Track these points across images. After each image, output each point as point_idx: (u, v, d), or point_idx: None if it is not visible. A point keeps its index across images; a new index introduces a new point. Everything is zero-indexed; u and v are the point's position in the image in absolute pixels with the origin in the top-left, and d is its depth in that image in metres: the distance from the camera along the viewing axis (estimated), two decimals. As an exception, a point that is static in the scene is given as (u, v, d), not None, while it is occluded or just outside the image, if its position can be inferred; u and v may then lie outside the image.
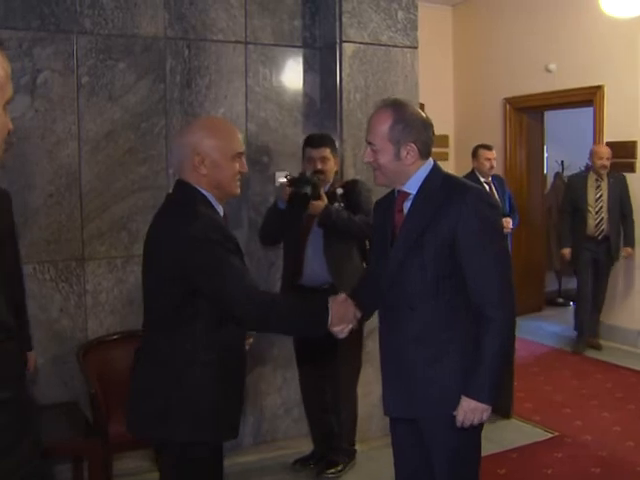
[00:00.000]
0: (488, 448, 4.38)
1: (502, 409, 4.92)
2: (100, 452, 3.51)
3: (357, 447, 4.33)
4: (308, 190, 3.74)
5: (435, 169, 2.60)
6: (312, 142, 4.00)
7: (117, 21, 4.04)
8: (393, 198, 2.68)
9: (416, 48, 4.58)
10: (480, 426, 2.57)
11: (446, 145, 8.43)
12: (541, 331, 7.39)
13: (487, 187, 6.25)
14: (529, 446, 4.49)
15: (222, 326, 2.47)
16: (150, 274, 2.55)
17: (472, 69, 8.28)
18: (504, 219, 6.08)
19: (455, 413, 2.49)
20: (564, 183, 8.78)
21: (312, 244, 3.97)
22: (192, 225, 2.39)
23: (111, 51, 4.03)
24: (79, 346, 3.92)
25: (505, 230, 6.04)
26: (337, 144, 4.37)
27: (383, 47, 4.47)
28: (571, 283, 9.03)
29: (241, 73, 4.36)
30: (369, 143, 2.58)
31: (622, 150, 6.66)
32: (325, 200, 3.83)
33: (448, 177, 2.63)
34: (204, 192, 2.53)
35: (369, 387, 4.46)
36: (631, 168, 6.62)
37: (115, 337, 4.04)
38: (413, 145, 2.52)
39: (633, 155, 6.60)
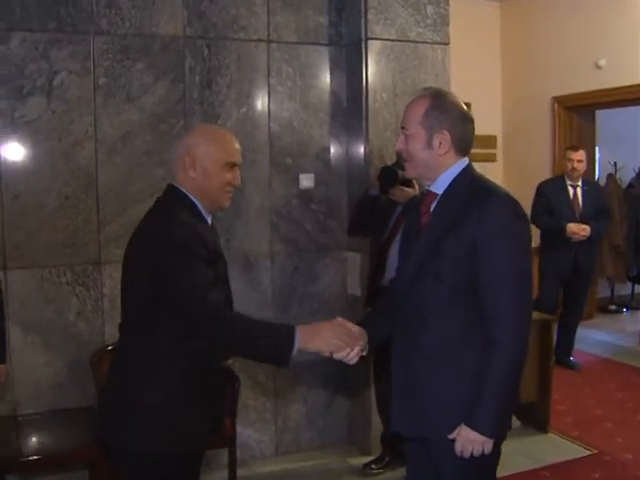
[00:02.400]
0: (521, 464, 4.21)
1: (538, 423, 4.71)
2: (106, 460, 3.42)
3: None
4: (400, 170, 3.54)
5: (467, 169, 2.41)
6: None
7: (134, 21, 3.96)
8: (421, 199, 2.51)
9: (447, 44, 4.38)
10: (496, 452, 2.34)
11: (494, 146, 8.16)
12: (589, 340, 7.08)
13: (572, 190, 6.04)
14: (564, 464, 4.26)
15: (192, 336, 2.32)
16: (124, 275, 2.46)
17: (520, 67, 8.00)
18: (574, 225, 5.85)
19: (450, 437, 2.28)
20: (617, 185, 8.47)
21: (397, 244, 3.77)
22: (166, 227, 2.30)
23: (128, 51, 3.95)
24: (93, 352, 3.85)
25: (575, 237, 5.82)
26: (362, 145, 4.23)
27: (412, 44, 4.29)
28: (624, 289, 8.72)
29: (263, 72, 4.24)
30: (402, 128, 2.43)
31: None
32: (417, 189, 3.59)
33: (477, 179, 2.41)
34: (192, 198, 2.44)
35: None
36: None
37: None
38: (447, 133, 2.34)
39: (687, 156, 6.27)
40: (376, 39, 4.19)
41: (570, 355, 6.19)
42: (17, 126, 3.76)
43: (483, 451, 2.25)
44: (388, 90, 4.23)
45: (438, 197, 2.39)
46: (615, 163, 8.65)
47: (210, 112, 4.13)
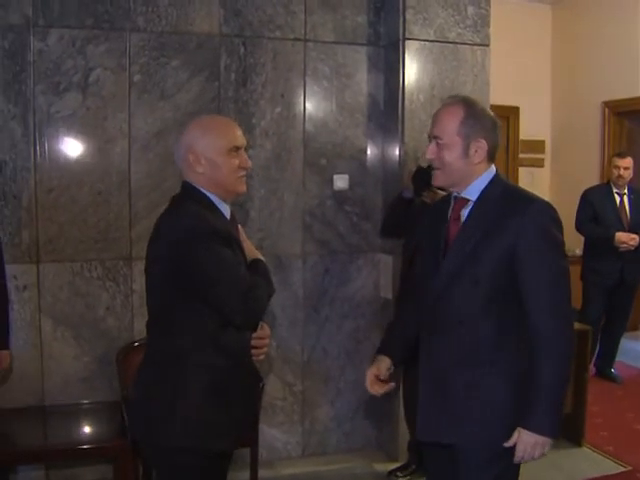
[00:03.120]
0: (551, 477, 4.10)
1: (572, 435, 4.58)
2: (129, 455, 3.44)
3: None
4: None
5: (498, 176, 2.44)
6: None
7: (171, 18, 3.97)
8: (448, 205, 2.49)
9: (487, 46, 4.29)
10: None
11: (542, 151, 8.01)
12: (634, 352, 6.86)
13: (618, 198, 5.90)
14: (595, 479, 4.13)
15: (220, 331, 2.35)
16: (147, 273, 2.46)
17: (570, 70, 7.83)
18: (623, 234, 5.70)
19: (507, 445, 2.29)
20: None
21: None
22: (176, 221, 2.32)
23: (164, 49, 3.96)
24: (120, 347, 3.87)
25: (623, 247, 5.67)
26: (398, 147, 4.17)
27: (450, 45, 4.21)
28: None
29: (299, 71, 4.21)
30: (435, 137, 2.40)
31: None
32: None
33: (510, 186, 2.48)
34: (204, 191, 2.43)
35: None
36: None
37: (157, 339, 3.96)
38: (484, 142, 2.36)
39: None
40: (414, 39, 4.13)
41: (612, 367, 6.03)
42: (53, 121, 3.80)
43: (543, 453, 2.29)
44: (425, 91, 4.16)
45: (471, 204, 2.39)
46: (668, 171, 8.41)
47: (245, 111, 4.11)
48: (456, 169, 2.38)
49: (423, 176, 3.65)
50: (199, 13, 4.02)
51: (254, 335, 2.51)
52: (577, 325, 4.57)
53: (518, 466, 2.40)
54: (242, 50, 4.10)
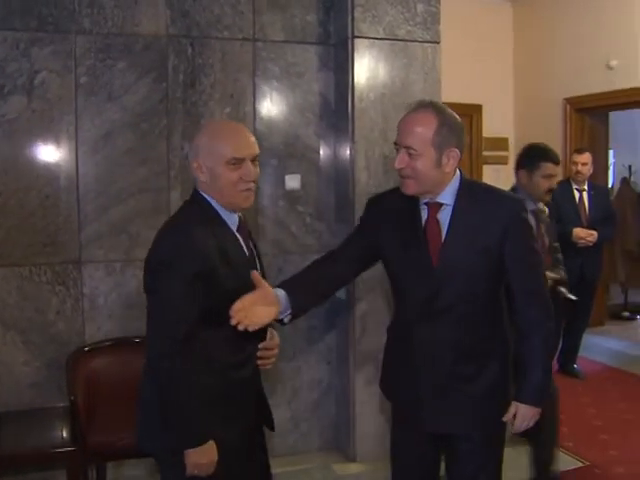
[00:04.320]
0: (507, 476, 4.07)
1: (531, 432, 4.57)
2: (76, 461, 3.40)
3: (369, 466, 4.15)
4: None
5: (464, 177, 2.52)
6: None
7: (117, 20, 3.93)
8: (412, 207, 2.51)
9: (438, 43, 4.28)
10: None
11: (506, 149, 8.03)
12: (597, 347, 6.91)
13: (578, 194, 5.92)
14: (550, 476, 4.13)
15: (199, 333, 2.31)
16: None
17: (533, 68, 7.86)
18: (581, 230, 5.72)
19: (505, 419, 2.50)
20: (631, 189, 8.30)
21: None
22: (163, 237, 2.33)
23: (110, 50, 3.93)
24: (70, 352, 3.82)
25: (582, 242, 5.69)
26: (349, 146, 4.15)
27: (400, 42, 4.20)
28: (639, 296, 8.54)
29: (249, 71, 4.18)
30: (405, 147, 2.39)
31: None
32: None
33: (479, 185, 2.63)
34: (210, 200, 2.39)
35: (383, 404, 4.22)
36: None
37: (108, 344, 3.93)
38: (456, 151, 2.40)
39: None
40: (363, 37, 4.11)
41: (574, 363, 6.05)
42: (-2, 125, 3.76)
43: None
44: (375, 89, 4.15)
45: (449, 207, 2.45)
46: (630, 166, 8.47)
47: (193, 112, 4.08)
48: (429, 178, 2.40)
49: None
50: (145, 14, 3.99)
51: (262, 345, 2.49)
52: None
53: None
54: (190, 51, 4.07)
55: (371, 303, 4.17)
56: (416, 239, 2.48)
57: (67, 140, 3.88)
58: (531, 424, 2.52)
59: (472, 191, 2.48)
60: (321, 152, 4.36)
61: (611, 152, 8.30)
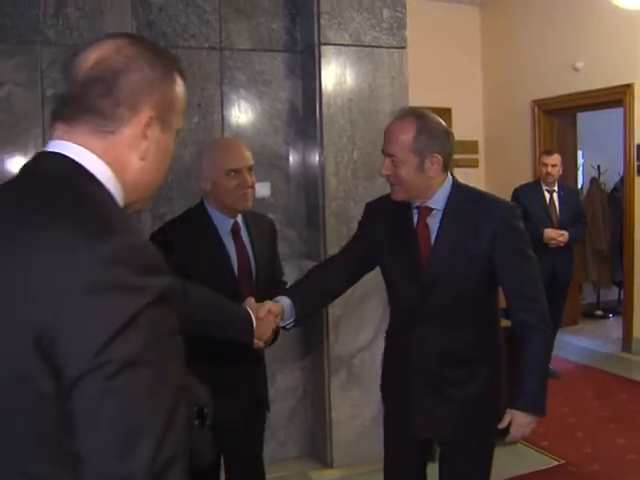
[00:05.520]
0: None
1: (507, 432, 4.60)
2: None
3: (346, 471, 4.13)
4: None
5: (457, 183, 2.56)
6: None
7: (82, 30, 3.91)
8: (405, 211, 2.57)
9: (404, 48, 4.30)
10: None
11: (475, 151, 8.10)
12: (571, 346, 6.98)
13: (548, 196, 5.97)
14: (528, 475, 4.15)
15: None
16: None
17: (500, 71, 7.94)
18: (552, 230, 5.78)
19: (501, 426, 2.49)
20: (601, 189, 8.39)
21: None
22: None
23: (77, 61, 3.90)
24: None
25: (553, 243, 5.75)
26: (318, 152, 4.16)
27: (367, 48, 4.22)
28: (611, 295, 8.63)
29: (216, 80, 4.18)
30: (388, 155, 2.47)
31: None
32: None
33: (470, 190, 2.61)
34: (207, 206, 2.82)
35: (358, 409, 4.23)
36: (664, 172, 6.20)
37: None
38: (438, 156, 2.44)
39: (666, 158, 6.18)
40: (330, 44, 4.13)
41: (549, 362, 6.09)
42: (-37, 139, 3.73)
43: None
44: (343, 96, 4.16)
45: (439, 212, 2.50)
46: (599, 167, 8.56)
47: (162, 121, 4.07)
48: (414, 184, 2.46)
49: None
50: (111, 25, 3.97)
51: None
52: (509, 322, 4.61)
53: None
54: (157, 60, 4.06)
55: (344, 308, 4.17)
56: (407, 243, 2.54)
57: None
58: (527, 432, 2.51)
59: (463, 196, 2.52)
60: (290, 159, 4.36)
61: (580, 153, 8.39)
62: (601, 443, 4.61)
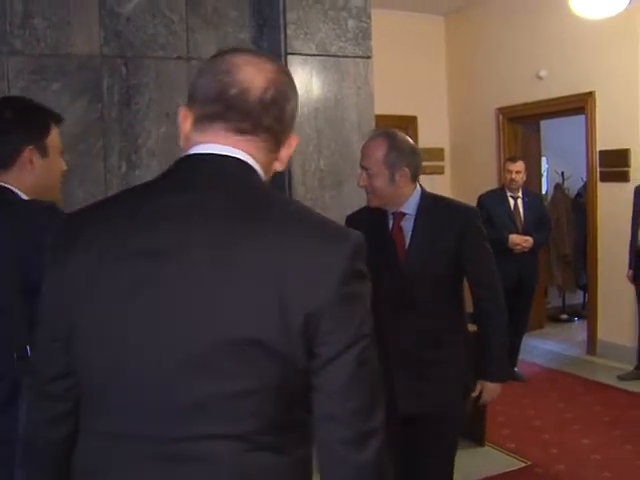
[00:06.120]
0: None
1: (475, 435, 4.69)
2: None
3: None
4: None
5: (425, 191, 2.96)
6: None
7: (50, 40, 3.91)
8: (381, 218, 2.95)
9: (370, 58, 4.36)
10: None
11: (441, 159, 8.20)
12: (537, 350, 7.10)
13: (512, 202, 6.07)
14: (495, 477, 4.25)
15: None
16: None
17: (465, 79, 8.06)
18: (517, 236, 5.88)
19: (474, 394, 2.99)
20: (565, 195, 8.54)
21: None
22: None
23: (44, 71, 3.90)
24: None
25: (517, 248, 5.84)
26: (286, 161, 4.20)
27: (332, 58, 4.27)
28: (576, 298, 8.77)
29: (184, 90, 4.20)
30: (365, 168, 2.85)
31: (615, 159, 6.39)
32: None
33: (438, 197, 3.03)
34: None
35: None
36: (624, 177, 6.34)
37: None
38: (406, 169, 2.82)
39: (626, 164, 6.32)
40: (296, 54, 4.18)
41: (515, 366, 6.18)
42: None
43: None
44: (309, 105, 4.21)
45: (411, 217, 2.90)
46: (562, 173, 8.71)
47: (130, 131, 4.09)
48: (386, 193, 2.85)
49: None
50: (79, 35, 3.98)
51: None
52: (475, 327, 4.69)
53: None
54: (124, 71, 4.08)
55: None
56: (385, 244, 2.91)
57: (2, 163, 3.85)
58: (495, 397, 3.04)
59: (431, 202, 2.93)
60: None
61: (544, 159, 8.54)
62: (566, 444, 4.70)
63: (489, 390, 2.99)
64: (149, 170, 4.10)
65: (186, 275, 1.25)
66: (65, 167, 2.62)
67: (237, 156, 1.36)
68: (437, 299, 2.88)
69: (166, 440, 1.26)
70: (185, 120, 1.43)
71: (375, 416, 1.30)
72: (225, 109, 1.37)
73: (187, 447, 1.25)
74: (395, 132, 2.91)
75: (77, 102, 3.98)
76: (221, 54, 1.44)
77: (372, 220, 2.95)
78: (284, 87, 1.41)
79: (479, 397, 3.02)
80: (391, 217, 2.94)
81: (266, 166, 1.42)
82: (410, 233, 2.89)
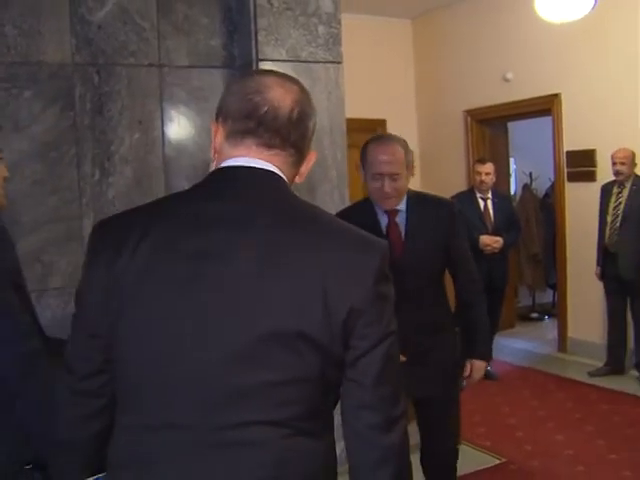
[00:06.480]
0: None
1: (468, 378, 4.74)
2: None
3: None
4: None
5: (409, 188, 3.13)
6: None
7: (20, 48, 3.91)
8: (370, 216, 3.08)
9: (340, 63, 4.41)
10: None
11: (411, 161, 8.26)
12: (508, 348, 7.20)
13: (482, 203, 6.13)
14: (471, 475, 4.28)
15: None
16: None
17: (433, 82, 8.14)
18: (487, 237, 5.95)
19: (466, 374, 3.21)
20: (533, 195, 8.65)
21: None
22: None
23: (16, 79, 3.89)
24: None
25: (488, 249, 5.92)
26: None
27: (303, 63, 4.31)
28: (546, 297, 8.89)
29: (156, 97, 4.22)
30: (391, 174, 2.94)
31: (582, 159, 6.50)
32: None
33: (422, 193, 3.26)
34: None
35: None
36: (591, 177, 6.45)
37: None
38: (412, 167, 3.10)
39: (592, 164, 6.43)
40: (267, 60, 4.20)
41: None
42: None
43: None
44: (282, 110, 4.24)
45: (403, 212, 3.07)
46: (530, 173, 8.83)
47: (102, 139, 4.09)
48: (404, 192, 3.03)
49: None
50: (50, 43, 3.98)
51: None
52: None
53: None
54: (96, 78, 4.08)
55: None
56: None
57: (-26, 172, 3.83)
58: (482, 375, 3.25)
59: (417, 198, 3.10)
60: (232, 173, 4.41)
61: (512, 160, 8.64)
62: (540, 440, 4.78)
63: (478, 368, 3.21)
64: (122, 177, 4.10)
65: (234, 275, 1.38)
66: (6, 173, 2.63)
67: (268, 168, 1.50)
68: (431, 289, 3.11)
69: (213, 428, 1.37)
70: (217, 134, 1.58)
71: (400, 403, 1.46)
72: (257, 126, 1.50)
73: (233, 434, 1.36)
74: (398, 135, 3.14)
75: (49, 110, 3.98)
76: (251, 74, 1.64)
77: (365, 218, 3.03)
78: (307, 106, 1.56)
79: (469, 376, 3.24)
80: (383, 214, 3.08)
81: (290, 179, 1.57)
82: (404, 228, 3.06)
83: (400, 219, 3.07)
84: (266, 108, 1.50)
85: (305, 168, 1.61)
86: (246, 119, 1.50)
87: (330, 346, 1.39)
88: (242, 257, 1.39)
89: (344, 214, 3.13)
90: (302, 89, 1.58)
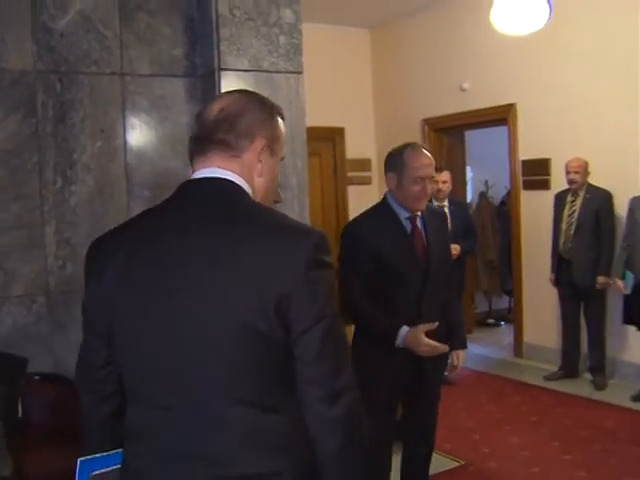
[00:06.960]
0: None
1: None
2: None
3: None
4: None
5: None
6: None
7: (-19, 56, 3.91)
8: (396, 219, 3.41)
9: (301, 73, 4.47)
10: None
11: (369, 169, 8.37)
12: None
13: (439, 211, 6.24)
14: (431, 478, 4.31)
15: None
16: None
17: (391, 91, 8.26)
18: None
19: (456, 363, 3.77)
20: (489, 203, 8.80)
21: None
22: None
23: (-24, 87, 3.89)
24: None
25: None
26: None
27: (265, 73, 4.36)
28: (502, 303, 9.05)
29: (118, 105, 4.24)
30: (430, 177, 3.42)
31: (537, 168, 6.65)
32: None
33: None
34: None
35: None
36: (546, 185, 6.61)
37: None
38: None
39: (547, 172, 6.59)
40: (229, 69, 4.25)
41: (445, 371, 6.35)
42: None
43: None
44: (244, 119, 4.29)
45: (420, 215, 3.46)
46: (487, 181, 8.99)
47: (64, 146, 4.09)
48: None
49: None
50: (12, 50, 3.97)
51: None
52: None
53: None
54: (58, 86, 4.08)
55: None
56: (406, 243, 3.39)
57: None
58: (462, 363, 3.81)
59: None
60: (194, 181, 4.44)
61: (468, 168, 8.80)
62: (497, 443, 4.89)
63: (462, 357, 3.76)
64: (84, 185, 4.10)
65: (189, 277, 1.61)
66: None
67: (211, 175, 1.76)
68: (444, 284, 3.53)
69: (190, 408, 1.62)
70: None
71: (341, 377, 1.61)
72: (195, 142, 1.85)
73: (207, 412, 1.60)
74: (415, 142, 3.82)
75: (10, 117, 3.97)
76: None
77: (390, 223, 3.41)
78: (238, 106, 1.80)
79: (456, 366, 3.76)
80: (405, 219, 3.42)
81: (244, 173, 1.77)
82: (423, 232, 3.44)
83: (419, 223, 3.44)
84: (197, 124, 1.84)
85: (253, 155, 1.79)
86: (190, 141, 1.89)
87: (270, 332, 1.56)
88: (194, 260, 1.62)
89: (367, 217, 3.54)
90: (240, 96, 1.85)
